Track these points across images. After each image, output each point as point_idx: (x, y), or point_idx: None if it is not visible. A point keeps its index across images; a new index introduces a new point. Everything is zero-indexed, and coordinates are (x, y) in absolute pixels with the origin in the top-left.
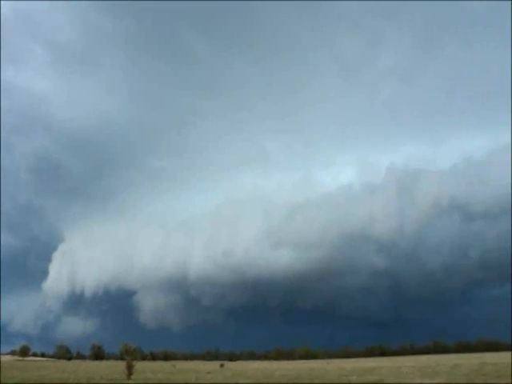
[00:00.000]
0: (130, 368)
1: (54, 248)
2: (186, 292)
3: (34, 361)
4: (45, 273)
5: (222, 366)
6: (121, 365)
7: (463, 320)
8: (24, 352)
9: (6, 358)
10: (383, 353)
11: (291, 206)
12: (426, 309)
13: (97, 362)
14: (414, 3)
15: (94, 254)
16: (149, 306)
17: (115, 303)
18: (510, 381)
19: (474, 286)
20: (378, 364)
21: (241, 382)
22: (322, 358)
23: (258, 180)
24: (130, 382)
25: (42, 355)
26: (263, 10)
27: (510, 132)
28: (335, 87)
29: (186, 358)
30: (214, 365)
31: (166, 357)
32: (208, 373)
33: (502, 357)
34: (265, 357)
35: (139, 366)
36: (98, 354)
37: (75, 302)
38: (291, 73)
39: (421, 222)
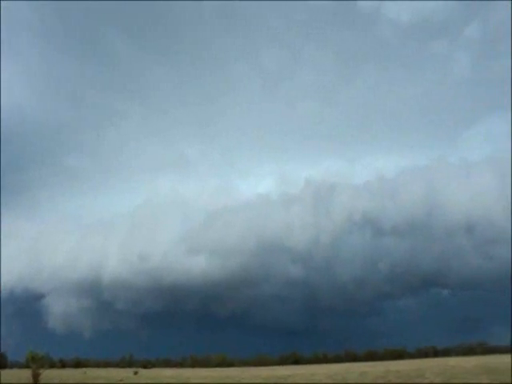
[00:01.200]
0: (35, 376)
1: None
2: (98, 296)
3: None
4: None
5: (135, 373)
6: (26, 373)
7: (373, 330)
8: None
9: None
10: (297, 361)
11: (209, 212)
12: (339, 319)
13: None
14: (336, 25)
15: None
16: (59, 309)
17: (21, 307)
18: None
19: (382, 298)
20: (292, 372)
21: None
22: (238, 365)
23: (176, 185)
24: None
25: None
26: (188, 16)
27: (421, 153)
28: (256, 98)
29: (98, 365)
30: (127, 372)
31: (78, 364)
32: (120, 380)
33: (406, 364)
34: (180, 364)
35: (47, 374)
36: (1, 362)
37: None
38: (212, 80)
39: (335, 234)
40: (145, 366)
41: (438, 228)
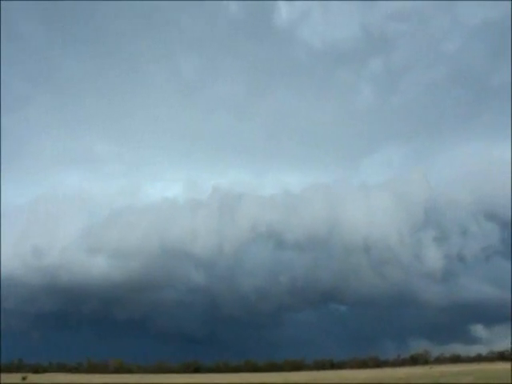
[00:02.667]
0: None
1: None
2: None
3: None
4: None
5: (24, 378)
6: None
7: (273, 341)
8: None
9: None
10: (198, 369)
11: (114, 211)
12: (240, 328)
13: None
14: (253, 40)
15: None
16: None
17: None
18: None
19: (283, 310)
20: (192, 380)
21: None
22: (137, 372)
23: (82, 180)
24: None
25: None
26: (112, 14)
27: (325, 173)
28: (172, 103)
29: None
30: (15, 377)
31: None
32: None
33: (304, 375)
34: (76, 369)
35: None
36: None
37: None
38: (129, 79)
39: (239, 244)
40: (35, 371)
41: (337, 245)
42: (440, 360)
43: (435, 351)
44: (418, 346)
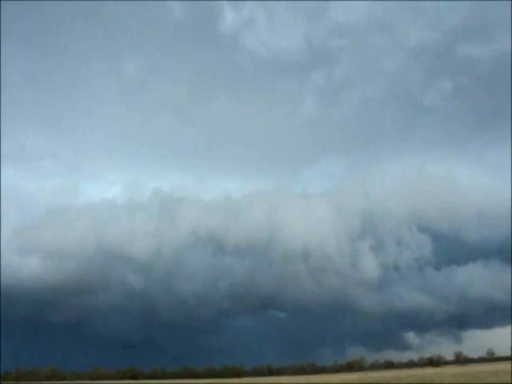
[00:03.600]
0: None
1: None
2: None
3: None
4: None
5: None
6: None
7: (212, 347)
8: None
9: None
10: (135, 376)
11: (49, 210)
12: (178, 334)
13: None
14: (198, 44)
15: None
16: None
17: None
18: None
19: (222, 315)
20: None
21: None
22: (71, 378)
23: (17, 179)
24: None
25: None
26: (54, 12)
27: (267, 180)
28: (114, 105)
29: None
30: None
31: None
32: None
33: (242, 382)
34: (3, 378)
35: None
36: None
37: None
38: (70, 77)
39: (179, 248)
40: None
41: (277, 252)
42: (375, 366)
43: (370, 357)
44: (355, 353)
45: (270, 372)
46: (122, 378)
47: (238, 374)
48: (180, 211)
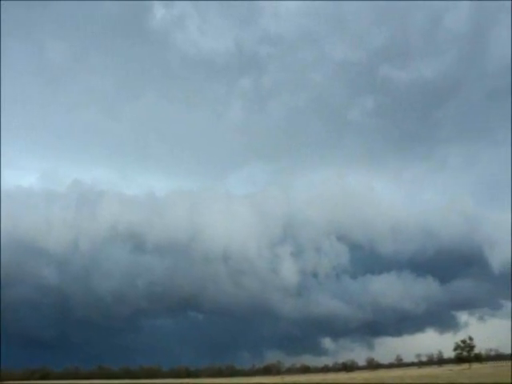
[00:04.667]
0: None
1: None
2: None
3: None
4: None
5: None
6: None
7: (129, 346)
8: None
9: None
10: (46, 376)
11: None
12: (94, 332)
13: None
14: (127, 39)
15: None
16: None
17: None
18: None
19: (140, 314)
20: None
21: None
22: None
23: None
24: None
25: None
26: None
27: (191, 181)
28: (35, 88)
29: None
30: None
31: None
32: None
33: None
34: None
35: None
36: None
37: None
38: None
39: (97, 242)
40: None
41: (197, 253)
42: (291, 370)
43: (287, 362)
44: (272, 357)
45: (188, 374)
46: (29, 379)
47: (155, 374)
48: (100, 205)
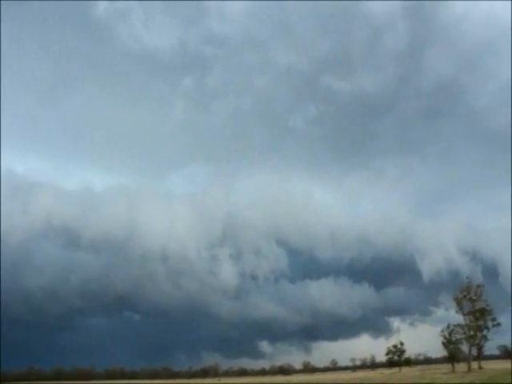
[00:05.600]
0: None
1: None
2: None
3: None
4: None
5: None
6: None
7: (61, 346)
8: None
9: None
10: None
11: None
12: (24, 331)
13: None
14: (70, 30)
15: None
16: None
17: None
18: None
19: (73, 313)
20: None
21: None
22: None
23: None
24: None
25: None
26: None
27: (131, 177)
28: None
29: None
30: None
31: None
32: None
33: None
34: None
35: None
36: None
37: None
38: None
39: (28, 236)
40: None
41: (135, 251)
42: (229, 373)
43: (225, 364)
44: (210, 359)
45: (123, 375)
46: None
47: (89, 376)
48: (33, 197)
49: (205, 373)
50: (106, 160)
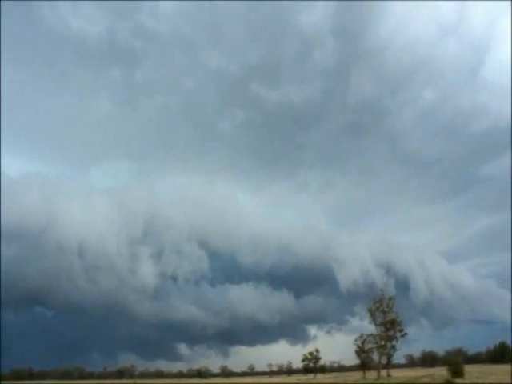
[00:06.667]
0: None
1: None
2: None
3: None
4: None
5: None
6: None
7: None
8: None
9: None
10: None
11: None
12: None
13: None
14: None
15: None
16: None
17: None
18: None
19: None
20: None
21: None
22: None
23: None
24: None
25: None
26: None
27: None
28: None
29: None
30: None
31: None
32: None
33: None
34: None
35: None
36: None
37: None
38: None
39: None
40: None
41: (50, 243)
42: (145, 375)
43: (141, 366)
44: (126, 360)
45: (31, 375)
46: None
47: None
48: None
49: (120, 374)
50: (24, 146)
